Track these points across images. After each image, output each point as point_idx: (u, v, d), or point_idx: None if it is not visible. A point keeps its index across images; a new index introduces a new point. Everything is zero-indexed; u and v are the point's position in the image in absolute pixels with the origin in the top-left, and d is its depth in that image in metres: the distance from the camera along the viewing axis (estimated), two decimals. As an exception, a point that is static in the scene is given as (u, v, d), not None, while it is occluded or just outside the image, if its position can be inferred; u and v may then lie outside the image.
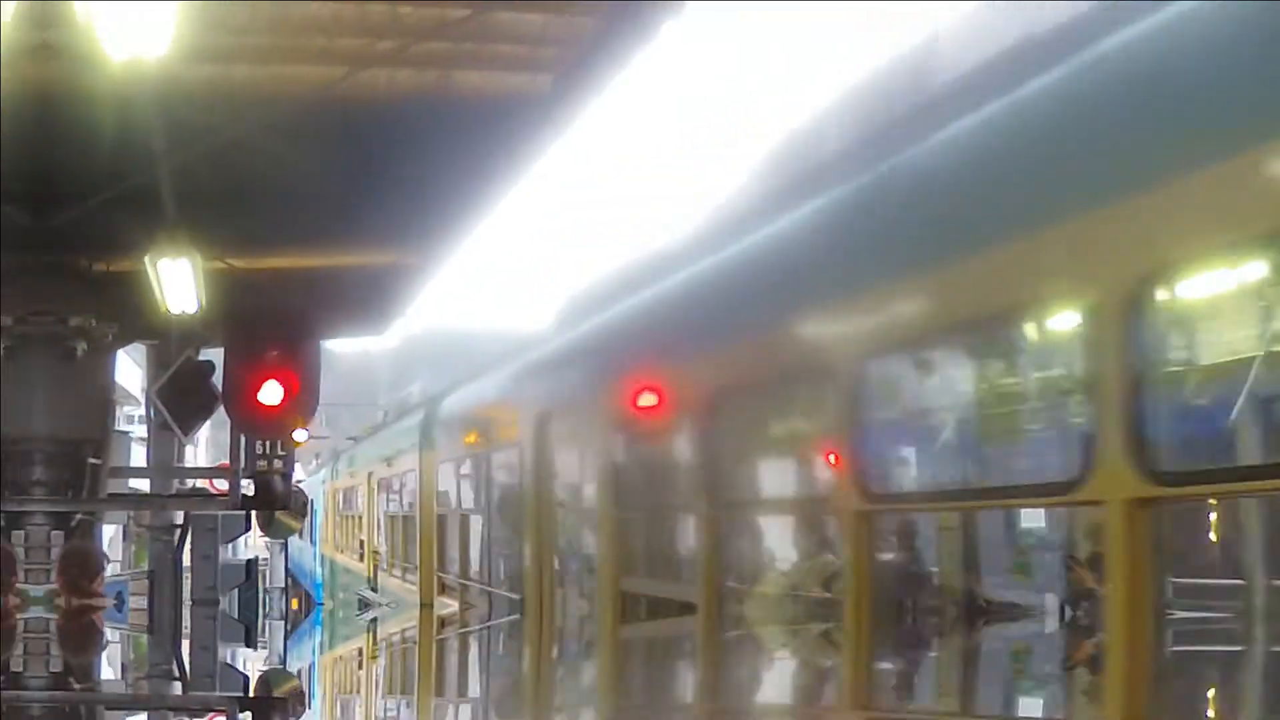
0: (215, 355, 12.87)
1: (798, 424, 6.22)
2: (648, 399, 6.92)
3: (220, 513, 12.96)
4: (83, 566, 7.91)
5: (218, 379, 12.41)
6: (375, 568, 17.77)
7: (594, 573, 7.79)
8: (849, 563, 5.03)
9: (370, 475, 17.57)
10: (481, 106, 8.71)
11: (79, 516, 11.53)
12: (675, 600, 6.99)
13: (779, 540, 6.50)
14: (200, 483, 15.31)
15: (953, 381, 4.96)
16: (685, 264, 6.85)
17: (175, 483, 13.87)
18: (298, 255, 11.18)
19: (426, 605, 13.92)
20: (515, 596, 9.39)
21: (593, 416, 7.44)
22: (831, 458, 5.46)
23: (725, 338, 6.35)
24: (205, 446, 36.41)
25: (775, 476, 6.51)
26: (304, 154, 8.99)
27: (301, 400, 11.36)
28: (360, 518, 20.17)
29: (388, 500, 16.51)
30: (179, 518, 13.15)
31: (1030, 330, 4.39)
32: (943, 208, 4.57)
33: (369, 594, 12.49)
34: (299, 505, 12.92)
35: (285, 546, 24.11)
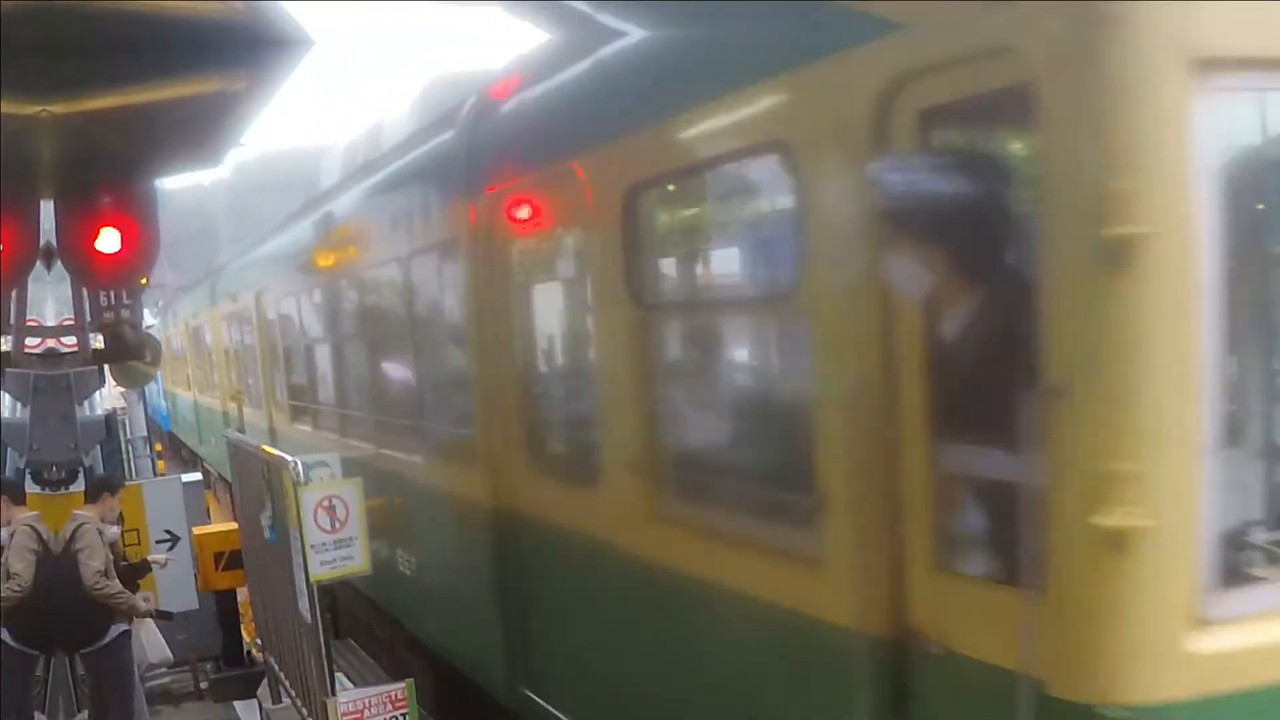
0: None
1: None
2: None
3: (72, 370, 12.58)
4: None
5: (52, 233, 11.93)
6: (240, 408, 17.61)
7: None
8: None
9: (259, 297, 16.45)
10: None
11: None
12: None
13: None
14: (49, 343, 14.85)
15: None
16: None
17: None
18: (120, 94, 10.63)
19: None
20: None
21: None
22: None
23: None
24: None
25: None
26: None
27: (142, 245, 10.93)
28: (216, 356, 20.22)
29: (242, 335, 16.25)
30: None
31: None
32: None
33: (234, 435, 12.26)
34: (153, 352, 12.57)
35: (143, 395, 23.80)
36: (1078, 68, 3.33)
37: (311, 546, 6.50)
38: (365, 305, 10.87)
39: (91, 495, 10.54)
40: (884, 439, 4.06)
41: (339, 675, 7.13)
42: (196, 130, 12.67)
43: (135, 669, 10.41)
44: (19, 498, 10.61)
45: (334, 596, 11.76)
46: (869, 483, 4.12)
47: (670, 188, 5.70)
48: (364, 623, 11.82)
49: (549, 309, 6.90)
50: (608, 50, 6.00)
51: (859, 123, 4.00)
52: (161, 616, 11.11)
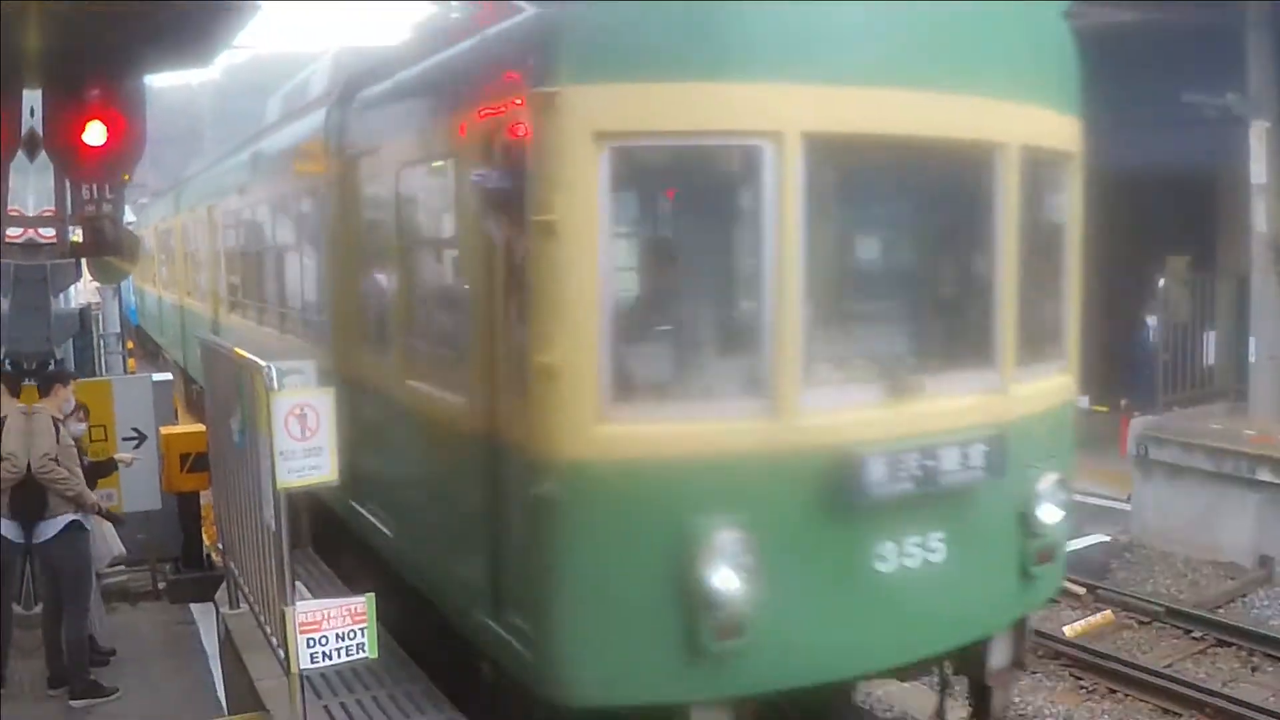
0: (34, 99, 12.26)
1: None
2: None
3: (49, 262, 12.54)
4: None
5: (38, 124, 11.83)
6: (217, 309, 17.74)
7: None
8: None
9: (210, 210, 18.09)
10: None
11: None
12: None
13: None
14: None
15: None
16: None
17: (-1, 233, 13.33)
18: (113, -14, 10.51)
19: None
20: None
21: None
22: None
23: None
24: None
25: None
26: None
27: (128, 140, 10.88)
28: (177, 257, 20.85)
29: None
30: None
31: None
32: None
33: (207, 336, 12.32)
34: (132, 248, 12.52)
35: (118, 291, 23.73)
36: (538, 128, 6.34)
37: (280, 454, 6.51)
38: (271, 227, 14.04)
39: (43, 389, 10.56)
40: (491, 324, 7.12)
41: (299, 585, 7.16)
42: (189, 29, 12.56)
43: (90, 564, 10.47)
44: (14, 388, 10.69)
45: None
46: (484, 350, 7.21)
47: (412, 175, 8.76)
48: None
49: (368, 245, 9.78)
50: (408, 71, 9.25)
51: (471, 149, 7.22)
52: (110, 519, 11.14)
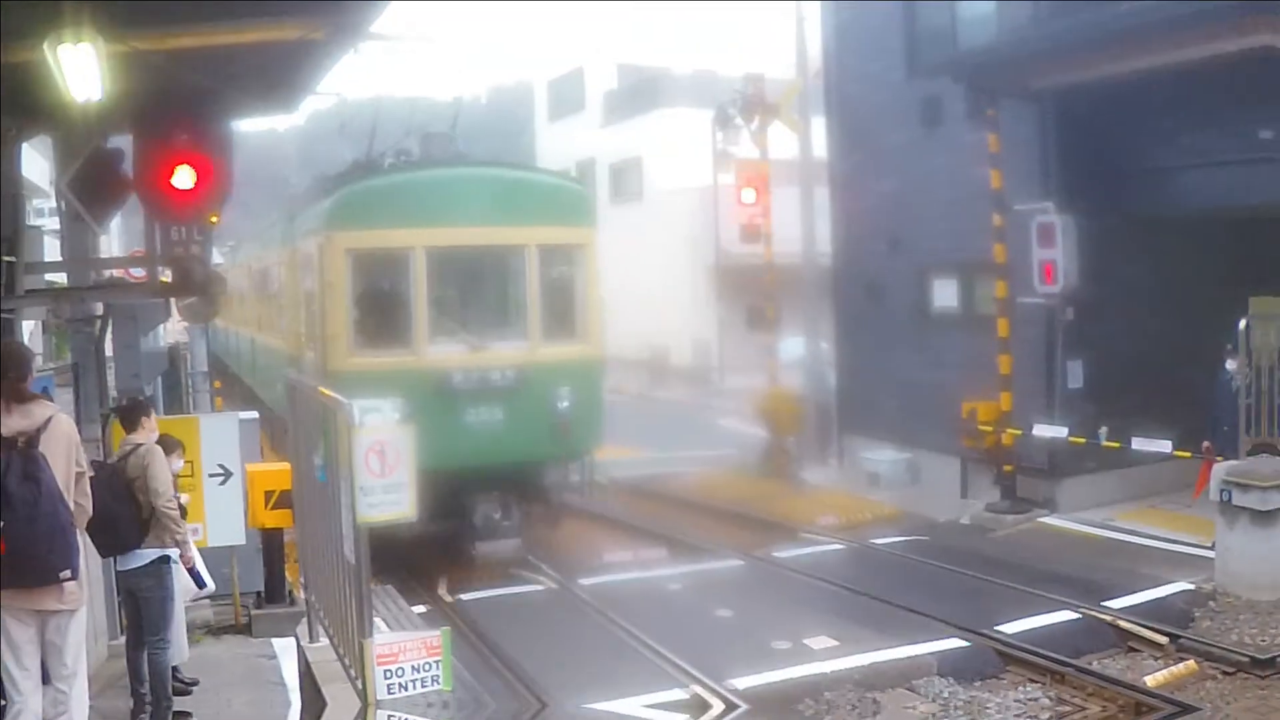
0: (125, 144, 12.57)
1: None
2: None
3: (139, 301, 12.82)
4: (17, 365, 7.83)
5: (128, 167, 12.12)
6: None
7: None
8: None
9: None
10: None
11: (-1, 316, 11.38)
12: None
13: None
14: (117, 273, 15.11)
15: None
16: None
17: (92, 275, 13.65)
18: (202, 34, 10.81)
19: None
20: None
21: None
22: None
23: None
24: (119, 238, 36.00)
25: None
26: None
27: (215, 184, 11.15)
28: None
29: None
30: (99, 309, 12.98)
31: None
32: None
33: (293, 375, 12.59)
34: (219, 289, 12.78)
35: (206, 331, 24.11)
36: (324, 247, 17.25)
37: (360, 489, 6.64)
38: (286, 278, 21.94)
39: (129, 424, 10.73)
40: (302, 316, 19.24)
41: (377, 620, 7.28)
42: (274, 76, 12.92)
43: (174, 596, 10.65)
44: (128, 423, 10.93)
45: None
46: (296, 326, 19.91)
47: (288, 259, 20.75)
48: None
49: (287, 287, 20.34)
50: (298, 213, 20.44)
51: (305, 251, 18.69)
52: (194, 579, 11.30)
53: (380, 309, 17.45)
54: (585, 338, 18.08)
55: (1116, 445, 17.34)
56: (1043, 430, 18.36)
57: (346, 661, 7.63)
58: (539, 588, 16.13)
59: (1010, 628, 13.12)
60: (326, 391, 7.95)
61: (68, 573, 7.57)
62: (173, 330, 24.20)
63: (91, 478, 9.43)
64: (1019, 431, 18.76)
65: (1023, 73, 18.75)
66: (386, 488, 6.76)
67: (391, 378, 15.15)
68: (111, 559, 10.65)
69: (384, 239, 16.95)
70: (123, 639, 11.54)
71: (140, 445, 10.20)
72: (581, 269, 18.01)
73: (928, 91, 21.20)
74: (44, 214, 22.41)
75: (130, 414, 10.91)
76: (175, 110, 11.15)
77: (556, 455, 17.90)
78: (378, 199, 17.25)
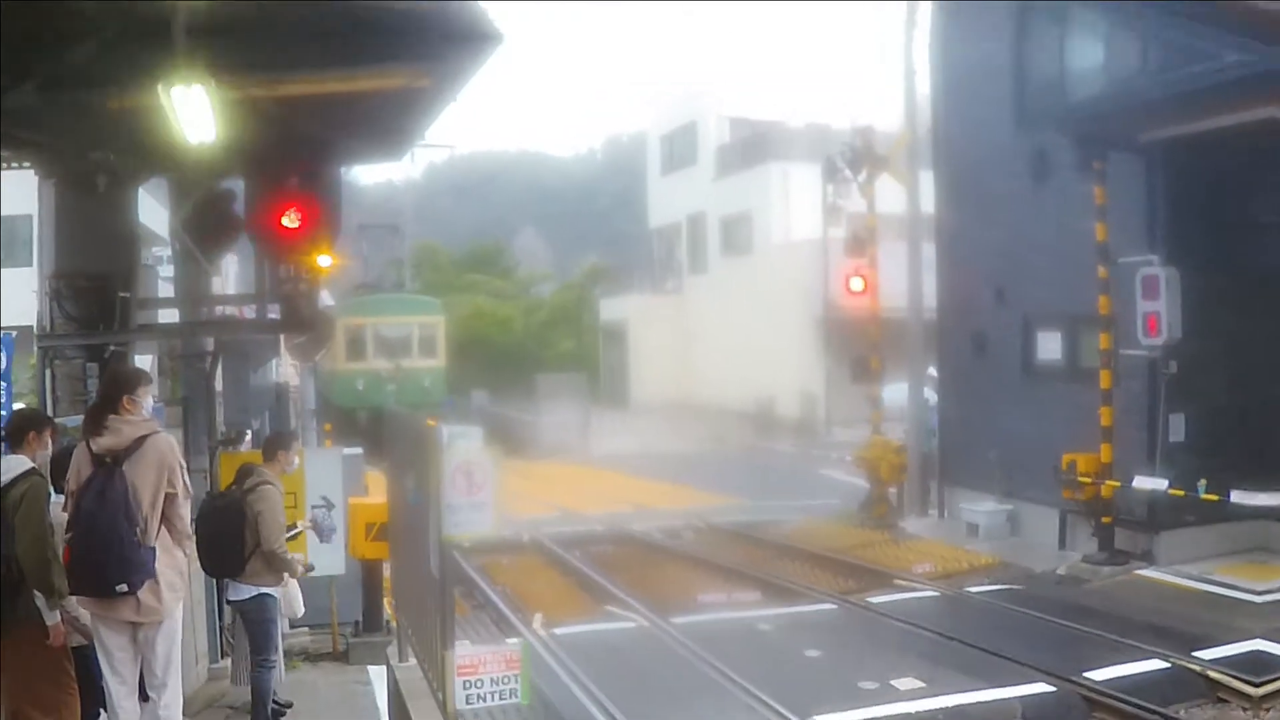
0: (235, 186, 13.09)
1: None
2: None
3: (248, 338, 13.31)
4: (117, 385, 8.23)
5: (239, 208, 12.62)
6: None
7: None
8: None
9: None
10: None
11: (111, 349, 11.88)
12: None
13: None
14: (229, 311, 15.64)
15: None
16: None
17: (204, 311, 14.17)
18: (310, 81, 11.26)
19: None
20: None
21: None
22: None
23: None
24: (232, 283, 37.25)
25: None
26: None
27: (323, 225, 11.60)
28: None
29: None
30: (209, 345, 13.49)
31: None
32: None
33: (392, 406, 13.00)
34: (327, 327, 13.23)
35: (314, 370, 24.70)
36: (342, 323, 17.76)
37: (447, 506, 6.94)
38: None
39: (268, 454, 11.17)
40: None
41: (464, 641, 7.55)
42: (381, 123, 13.36)
43: (278, 623, 11.04)
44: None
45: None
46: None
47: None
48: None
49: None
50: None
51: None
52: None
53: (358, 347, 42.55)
54: (436, 357, 44.90)
55: (1215, 498, 17.18)
56: (1142, 482, 18.25)
57: (430, 675, 7.91)
58: (632, 625, 16.33)
59: (1098, 674, 13.06)
60: (431, 420, 8.29)
61: (124, 586, 7.82)
62: (283, 370, 24.81)
63: (208, 502, 9.88)
64: (1118, 484, 18.66)
65: (1131, 125, 18.75)
66: (472, 506, 7.05)
67: (361, 373, 42.08)
68: (222, 582, 11.07)
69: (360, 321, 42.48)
70: (224, 662, 11.94)
71: (261, 483, 10.57)
72: (435, 333, 45.24)
73: (1036, 144, 21.23)
74: (161, 261, 23.19)
75: (269, 445, 11.37)
76: (285, 153, 11.62)
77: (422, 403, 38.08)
78: (356, 306, 43.17)
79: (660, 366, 53.90)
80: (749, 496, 28.13)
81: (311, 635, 14.17)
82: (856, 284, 26.86)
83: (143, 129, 10.72)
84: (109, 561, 7.77)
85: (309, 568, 11.71)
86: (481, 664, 7.10)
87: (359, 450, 15.50)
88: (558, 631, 15.80)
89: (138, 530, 7.83)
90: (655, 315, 56.56)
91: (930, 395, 26.43)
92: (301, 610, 11.87)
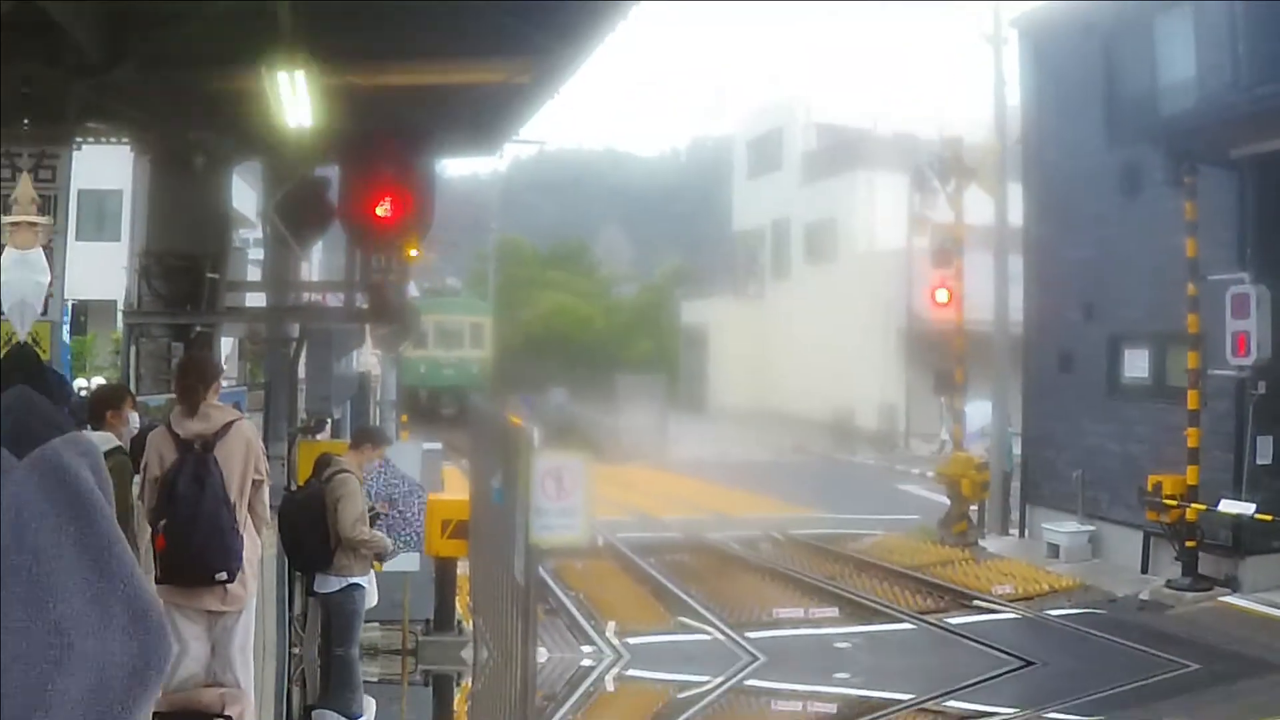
0: (329, 174, 13.02)
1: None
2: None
3: (334, 326, 13.23)
4: (200, 374, 8.11)
5: (333, 196, 12.55)
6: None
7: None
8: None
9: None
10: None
11: (197, 329, 11.84)
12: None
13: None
14: (314, 298, 15.60)
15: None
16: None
17: (291, 297, 14.13)
18: (411, 72, 11.17)
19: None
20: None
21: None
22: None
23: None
24: (316, 270, 37.63)
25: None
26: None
27: (416, 216, 11.49)
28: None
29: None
30: (294, 332, 13.42)
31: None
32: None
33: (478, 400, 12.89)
34: (414, 318, 13.14)
35: (397, 361, 24.72)
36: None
37: (535, 510, 6.78)
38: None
39: (355, 443, 11.07)
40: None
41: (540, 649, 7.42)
42: (479, 117, 13.26)
43: (362, 614, 10.94)
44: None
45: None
46: None
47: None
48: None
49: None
50: None
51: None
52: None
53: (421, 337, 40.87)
54: (483, 349, 51.44)
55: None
56: (1229, 506, 17.82)
57: (507, 679, 7.76)
58: (706, 637, 16.11)
59: (1170, 703, 12.79)
60: (516, 418, 8.14)
61: (224, 575, 7.69)
62: (365, 360, 24.86)
63: (289, 497, 9.77)
64: (1204, 506, 18.22)
65: (1222, 140, 18.35)
66: (561, 511, 6.88)
67: (423, 359, 45.87)
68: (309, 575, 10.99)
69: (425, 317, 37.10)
70: (296, 651, 11.85)
71: (340, 472, 10.44)
72: (484, 331, 52.36)
73: (1127, 158, 20.85)
74: (249, 244, 23.31)
75: (361, 435, 11.28)
76: (382, 143, 11.52)
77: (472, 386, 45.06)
78: (421, 305, 36.88)
79: (740, 372, 53.62)
80: (827, 508, 27.79)
81: (381, 631, 14.04)
82: (942, 295, 26.51)
83: (241, 112, 10.67)
84: (211, 549, 7.63)
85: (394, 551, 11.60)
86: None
87: (438, 445, 15.40)
88: (631, 640, 15.61)
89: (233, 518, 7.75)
90: (736, 320, 56.26)
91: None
92: (375, 600, 11.77)
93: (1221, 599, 17.87)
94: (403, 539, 11.54)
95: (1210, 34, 19.48)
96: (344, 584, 10.50)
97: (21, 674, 1.79)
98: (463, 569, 13.22)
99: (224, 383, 9.56)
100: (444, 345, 49.61)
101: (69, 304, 11.86)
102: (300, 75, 9.09)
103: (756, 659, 14.56)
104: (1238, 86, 18.74)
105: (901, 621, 17.27)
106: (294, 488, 11.31)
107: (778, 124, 56.71)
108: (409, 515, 12.03)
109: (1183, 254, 18.45)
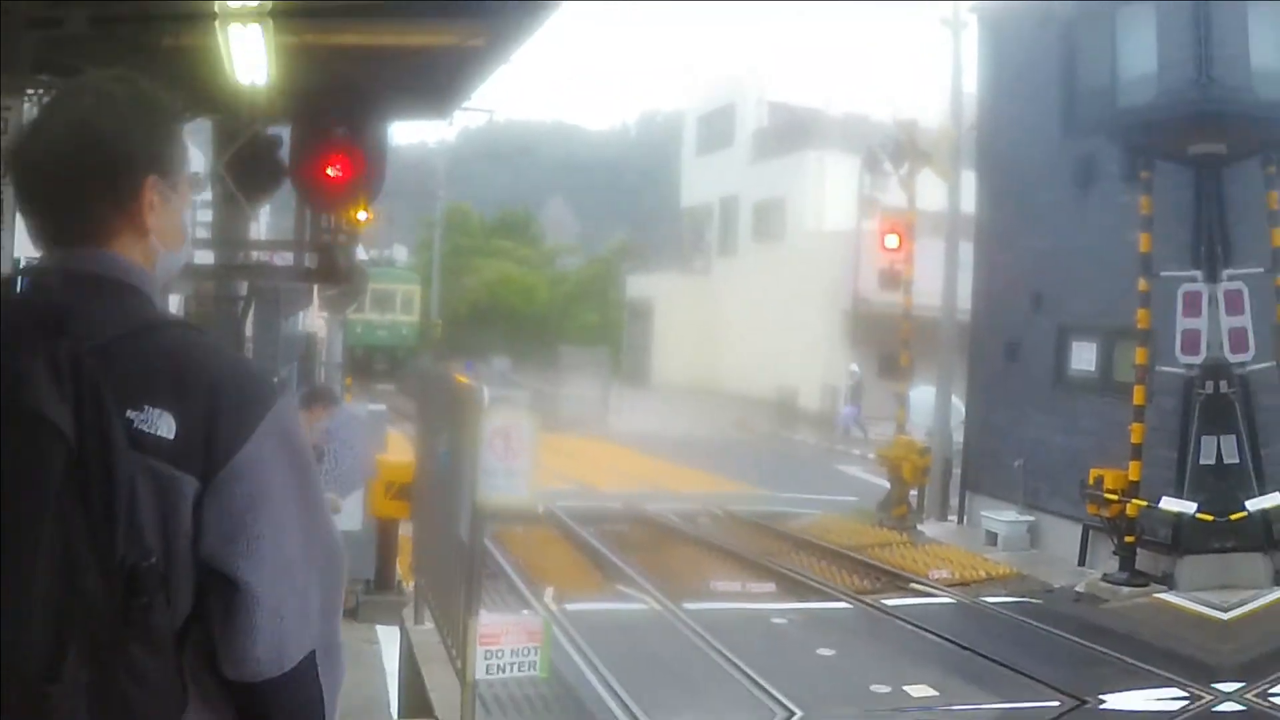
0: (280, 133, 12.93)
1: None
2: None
3: (282, 285, 13.16)
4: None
5: (284, 154, 12.47)
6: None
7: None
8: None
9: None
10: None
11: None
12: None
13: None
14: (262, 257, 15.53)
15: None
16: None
17: (239, 256, 14.05)
18: (367, 32, 11.11)
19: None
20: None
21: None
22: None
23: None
24: (265, 232, 37.98)
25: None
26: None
27: (367, 177, 11.44)
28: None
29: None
30: (243, 290, 13.34)
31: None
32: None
33: (425, 363, 12.87)
34: (361, 280, 13.09)
35: (343, 324, 24.64)
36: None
37: (484, 470, 6.79)
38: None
39: (305, 403, 11.01)
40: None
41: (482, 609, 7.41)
42: (432, 80, 13.20)
43: None
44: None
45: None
46: None
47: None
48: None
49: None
50: None
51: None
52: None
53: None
54: (412, 314, 57.04)
55: (1243, 515, 17.04)
56: (1170, 504, 18.00)
57: (449, 641, 7.78)
58: (643, 606, 16.20)
59: (1114, 699, 12.90)
60: (462, 378, 8.14)
61: None
62: (312, 322, 24.73)
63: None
64: (1145, 503, 18.42)
65: (1181, 136, 18.49)
66: (508, 472, 6.90)
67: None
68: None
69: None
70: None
71: None
72: (414, 297, 58.36)
73: (1083, 150, 20.96)
74: (197, 203, 23.14)
75: (311, 397, 11.21)
76: (333, 103, 11.45)
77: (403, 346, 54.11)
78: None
79: (684, 348, 53.73)
80: (767, 486, 27.95)
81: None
82: (892, 240, 26.78)
83: (192, 68, 10.57)
84: None
85: (336, 509, 11.56)
86: (504, 634, 6.95)
87: (383, 407, 15.37)
88: (568, 607, 15.67)
89: None
90: (681, 296, 56.35)
91: (958, 402, 26.24)
92: None
93: (1157, 595, 18.07)
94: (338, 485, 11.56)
95: (1172, 30, 19.57)
96: None
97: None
98: (405, 532, 13.22)
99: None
100: (378, 309, 54.30)
101: (19, 261, 11.73)
102: (256, 29, 9.03)
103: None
104: (1199, 84, 18.89)
105: (838, 600, 17.41)
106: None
107: (729, 100, 56.73)
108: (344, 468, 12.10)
109: (1135, 249, 18.59)
